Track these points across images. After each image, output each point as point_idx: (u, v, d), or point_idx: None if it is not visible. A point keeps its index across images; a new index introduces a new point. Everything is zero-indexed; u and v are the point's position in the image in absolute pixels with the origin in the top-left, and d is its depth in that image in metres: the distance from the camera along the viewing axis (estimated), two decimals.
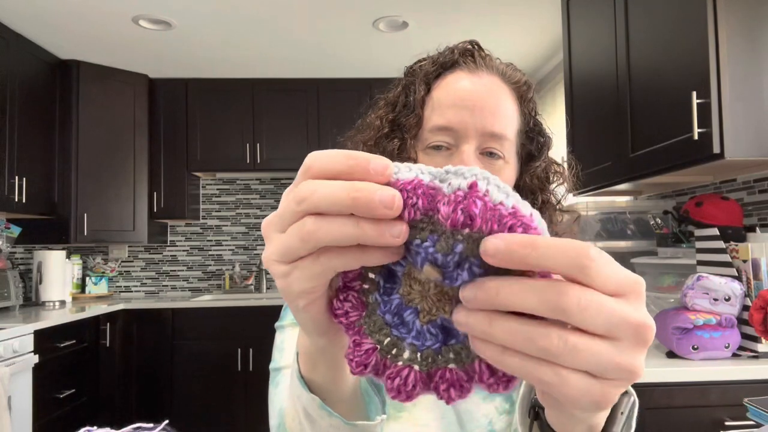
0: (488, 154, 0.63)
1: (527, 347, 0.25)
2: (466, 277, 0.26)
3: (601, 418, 0.37)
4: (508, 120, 0.64)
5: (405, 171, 0.28)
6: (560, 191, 0.74)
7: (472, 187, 0.26)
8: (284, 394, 0.63)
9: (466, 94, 0.63)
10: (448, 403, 0.29)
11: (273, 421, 0.64)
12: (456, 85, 0.65)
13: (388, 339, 0.29)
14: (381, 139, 0.69)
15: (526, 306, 0.24)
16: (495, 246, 0.24)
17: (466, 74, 0.65)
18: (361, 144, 0.72)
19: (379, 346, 0.29)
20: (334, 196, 0.26)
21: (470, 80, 0.65)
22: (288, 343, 0.69)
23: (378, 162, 0.27)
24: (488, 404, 0.66)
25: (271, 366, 0.69)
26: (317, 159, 0.28)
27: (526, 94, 0.68)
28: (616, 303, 0.25)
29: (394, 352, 0.29)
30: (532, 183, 0.69)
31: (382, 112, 0.71)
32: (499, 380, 0.28)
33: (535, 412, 0.41)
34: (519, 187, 0.69)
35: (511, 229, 0.25)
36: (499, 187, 0.26)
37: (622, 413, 0.38)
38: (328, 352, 0.39)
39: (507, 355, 0.25)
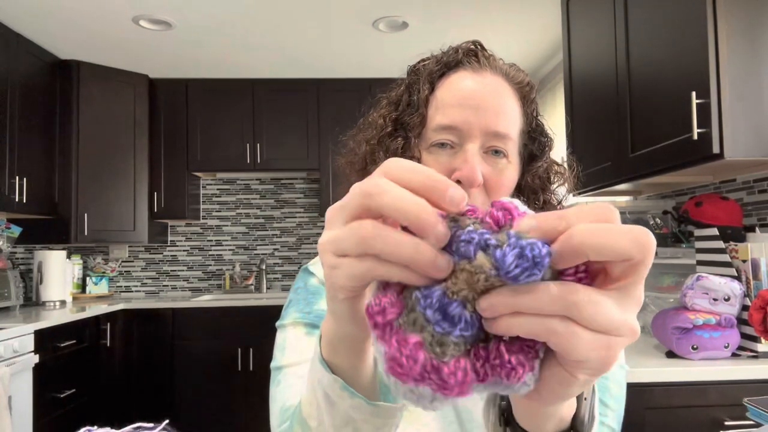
0: (492, 153, 0.64)
1: (554, 305, 0.26)
2: (530, 271, 0.27)
3: (569, 408, 0.37)
4: (511, 120, 0.64)
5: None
6: (561, 192, 0.74)
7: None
8: (288, 393, 0.63)
9: (471, 93, 0.63)
10: (509, 380, 0.29)
11: (274, 420, 0.64)
12: (460, 85, 0.65)
13: (431, 337, 0.28)
14: (384, 138, 0.69)
15: (617, 245, 0.26)
16: (529, 224, 0.27)
17: (470, 74, 0.65)
18: (364, 143, 0.72)
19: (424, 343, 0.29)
20: (401, 205, 0.28)
21: (474, 80, 0.65)
22: (289, 343, 0.69)
23: (456, 192, 0.28)
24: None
25: (272, 365, 0.69)
26: (398, 166, 0.29)
27: (528, 94, 0.68)
28: (646, 268, 0.27)
29: (438, 350, 0.28)
30: (533, 183, 0.69)
31: (385, 111, 0.71)
32: (488, 371, 0.29)
33: (505, 418, 0.41)
34: (521, 187, 0.69)
35: None
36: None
37: (585, 399, 0.39)
38: (353, 338, 0.39)
39: (521, 317, 0.27)
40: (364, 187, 0.29)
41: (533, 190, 0.69)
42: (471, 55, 0.67)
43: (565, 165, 0.75)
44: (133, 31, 3.05)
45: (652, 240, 0.26)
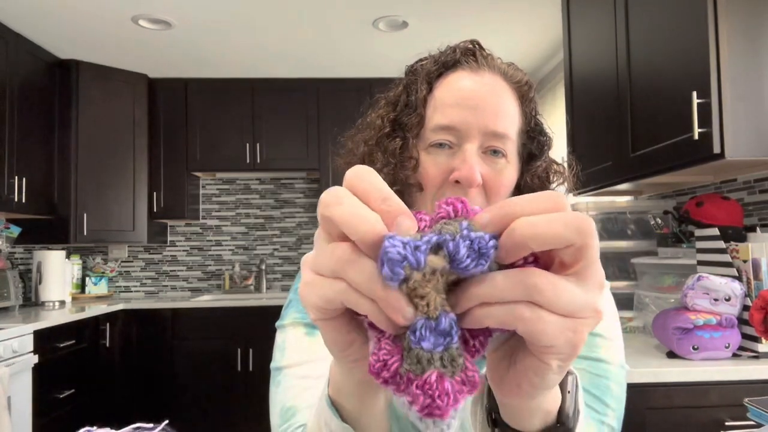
0: (491, 153, 0.63)
1: (515, 291, 0.27)
2: (477, 261, 0.27)
3: (554, 402, 0.38)
4: (510, 119, 0.64)
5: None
6: (560, 191, 0.74)
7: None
8: (289, 393, 0.63)
9: (469, 93, 0.63)
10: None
11: (274, 420, 0.63)
12: (458, 84, 0.65)
13: (441, 361, 0.28)
14: (382, 138, 0.68)
15: (555, 233, 0.27)
16: (482, 219, 0.28)
17: (468, 73, 0.65)
18: (362, 143, 0.72)
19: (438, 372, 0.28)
20: (350, 221, 0.28)
21: (472, 79, 0.65)
22: (289, 343, 0.69)
23: (406, 222, 0.28)
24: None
25: (272, 365, 0.69)
26: (361, 176, 0.29)
27: (527, 93, 0.68)
28: (591, 249, 0.28)
29: (452, 367, 0.28)
30: (532, 182, 0.69)
31: (383, 111, 0.71)
32: (479, 345, 0.30)
33: (492, 419, 0.41)
34: (520, 187, 0.69)
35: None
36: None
37: (569, 392, 0.39)
38: (352, 381, 0.39)
39: (490, 307, 0.28)
40: (324, 196, 0.29)
41: (532, 189, 0.69)
42: (469, 55, 0.67)
43: (565, 164, 0.75)
44: (133, 30, 3.05)
45: (589, 223, 0.27)
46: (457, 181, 0.62)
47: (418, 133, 0.66)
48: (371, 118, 0.73)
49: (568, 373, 0.39)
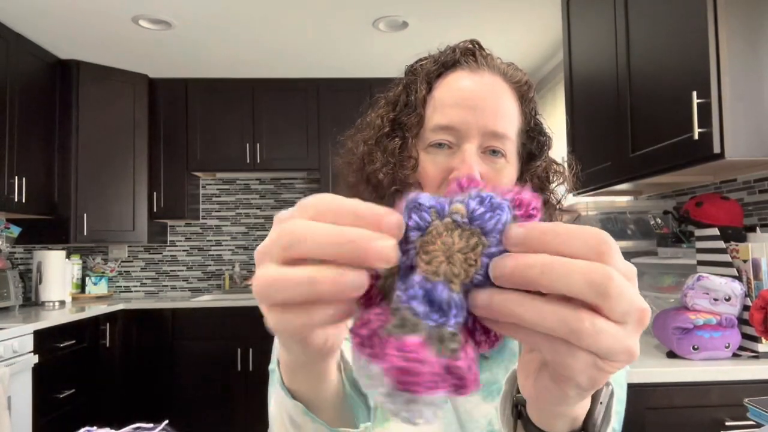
0: (490, 153, 0.63)
1: (557, 329, 0.25)
2: (492, 212, 0.26)
3: (582, 409, 0.37)
4: (509, 119, 0.64)
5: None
6: (560, 191, 0.74)
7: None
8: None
9: (468, 93, 0.63)
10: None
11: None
12: (458, 84, 0.65)
13: (428, 334, 0.25)
14: (382, 138, 0.68)
15: (572, 288, 0.25)
16: (517, 233, 0.26)
17: (467, 73, 0.65)
18: (362, 143, 0.72)
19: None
20: (323, 249, 0.25)
21: (472, 79, 0.65)
22: None
23: (391, 220, 0.26)
24: (488, 404, 0.66)
25: (270, 367, 0.68)
26: (319, 205, 0.27)
27: (527, 93, 0.68)
28: (632, 289, 0.26)
29: (440, 347, 0.25)
30: (532, 182, 0.69)
31: (383, 111, 0.71)
32: (489, 340, 0.28)
33: (517, 411, 0.41)
34: None
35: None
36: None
37: (601, 403, 0.38)
38: (307, 365, 0.38)
39: (530, 334, 0.26)
40: (282, 238, 0.26)
41: (532, 189, 0.69)
42: (469, 55, 0.67)
43: (565, 164, 0.75)
44: (133, 30, 3.05)
45: (613, 284, 0.25)
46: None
47: (417, 133, 0.66)
48: (371, 118, 0.73)
49: (606, 384, 0.38)
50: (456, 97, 0.64)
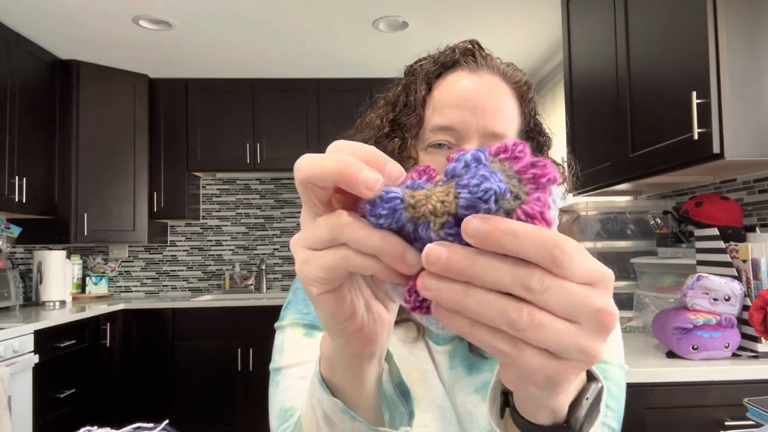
0: None
1: (497, 319, 0.26)
2: (476, 165, 0.28)
3: (563, 402, 0.36)
4: (509, 119, 0.64)
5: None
6: (560, 191, 0.73)
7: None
8: (288, 394, 0.63)
9: (468, 93, 0.63)
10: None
11: (273, 422, 0.64)
12: (457, 85, 0.65)
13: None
14: (381, 138, 0.69)
15: (499, 280, 0.25)
16: (476, 227, 0.25)
17: (467, 74, 0.65)
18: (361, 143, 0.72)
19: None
20: (328, 166, 0.28)
21: (471, 80, 0.65)
22: (288, 344, 0.68)
23: (394, 169, 0.29)
24: (485, 406, 0.67)
25: (271, 366, 0.69)
26: (342, 146, 0.30)
27: (526, 94, 0.68)
28: (580, 288, 0.26)
29: None
30: None
31: (382, 112, 0.71)
32: (421, 307, 0.29)
33: (505, 398, 0.41)
34: None
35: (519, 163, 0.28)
36: None
37: (587, 399, 0.37)
38: (347, 355, 0.39)
39: (475, 327, 0.27)
40: (300, 161, 0.30)
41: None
42: (468, 55, 0.67)
43: (565, 164, 0.75)
44: (133, 30, 3.05)
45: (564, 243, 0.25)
46: None
47: (417, 134, 0.67)
48: (370, 118, 0.73)
49: (596, 381, 0.38)
50: (455, 97, 0.64)
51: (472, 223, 0.25)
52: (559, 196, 0.28)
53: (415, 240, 0.28)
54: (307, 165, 0.29)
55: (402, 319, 0.69)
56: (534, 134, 0.70)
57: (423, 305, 0.28)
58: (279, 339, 0.70)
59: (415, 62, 0.72)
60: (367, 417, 0.42)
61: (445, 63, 0.67)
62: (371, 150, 0.30)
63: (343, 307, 0.33)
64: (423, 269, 0.27)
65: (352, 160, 0.28)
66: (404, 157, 0.66)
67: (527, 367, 0.26)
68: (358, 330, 0.34)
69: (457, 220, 0.27)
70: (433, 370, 0.68)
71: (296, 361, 0.66)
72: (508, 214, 0.26)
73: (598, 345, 0.26)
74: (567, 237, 0.26)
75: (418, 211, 0.27)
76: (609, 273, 0.27)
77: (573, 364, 0.26)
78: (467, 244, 0.26)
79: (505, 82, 0.66)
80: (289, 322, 0.70)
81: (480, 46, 0.69)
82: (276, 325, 0.73)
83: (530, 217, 0.26)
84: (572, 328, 0.26)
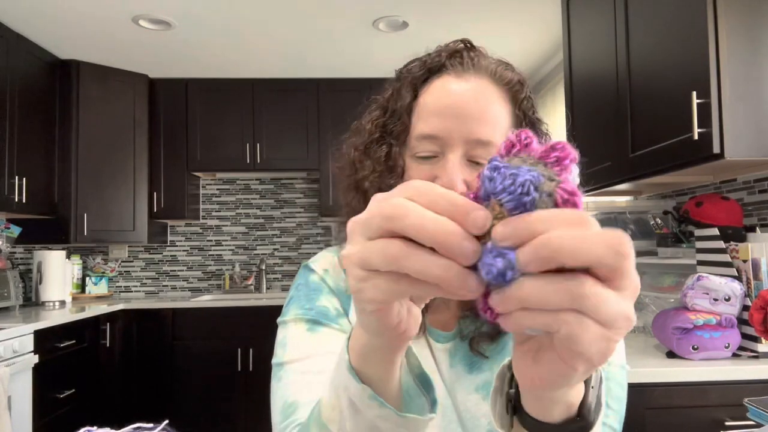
0: (476, 163, 0.62)
1: (563, 300, 0.27)
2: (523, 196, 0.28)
3: (578, 393, 0.38)
4: (495, 125, 0.62)
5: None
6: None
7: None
8: (291, 389, 0.63)
9: (451, 100, 0.62)
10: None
11: (276, 417, 0.63)
12: (441, 92, 0.63)
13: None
14: (371, 145, 0.68)
15: (592, 256, 0.27)
16: (502, 232, 0.28)
17: (452, 79, 0.63)
18: (353, 149, 0.72)
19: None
20: (424, 229, 0.29)
21: (456, 85, 0.63)
22: (290, 339, 0.68)
23: (479, 215, 0.29)
24: (488, 404, 0.66)
25: (274, 361, 0.69)
26: (420, 189, 0.30)
27: (518, 94, 0.65)
28: (629, 269, 0.28)
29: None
30: None
31: (374, 116, 0.71)
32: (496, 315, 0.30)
33: (513, 406, 0.42)
34: None
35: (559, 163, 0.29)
36: None
37: (593, 387, 0.39)
38: (384, 350, 0.40)
39: (532, 312, 0.28)
40: (387, 209, 0.30)
41: None
42: (456, 58, 0.65)
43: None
44: (133, 30, 3.05)
45: (628, 245, 0.27)
46: None
47: (404, 141, 0.66)
48: (363, 122, 0.73)
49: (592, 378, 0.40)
50: (438, 105, 0.62)
51: (500, 233, 0.28)
52: (577, 173, 0.29)
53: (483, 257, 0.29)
54: (412, 216, 0.29)
55: None
56: None
57: (496, 314, 0.30)
58: (282, 334, 0.70)
59: (405, 65, 0.71)
60: (392, 403, 0.43)
61: (432, 68, 0.65)
62: (454, 199, 0.30)
63: (390, 317, 0.34)
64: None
65: (453, 230, 0.28)
66: (391, 165, 0.65)
67: (584, 342, 0.27)
68: (398, 330, 0.36)
69: None
70: (434, 368, 0.68)
71: (299, 356, 0.66)
72: (550, 195, 0.28)
73: (633, 309, 0.29)
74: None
75: (483, 237, 0.28)
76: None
77: (619, 332, 0.28)
78: None
79: (495, 84, 0.64)
80: (292, 317, 0.70)
81: (470, 46, 0.67)
82: (279, 320, 0.72)
83: (571, 194, 0.27)
84: (621, 296, 0.28)
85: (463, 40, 0.67)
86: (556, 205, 0.28)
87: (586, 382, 0.39)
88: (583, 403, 0.38)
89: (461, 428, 0.66)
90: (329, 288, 0.72)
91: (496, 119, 0.62)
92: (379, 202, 0.31)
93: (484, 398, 0.67)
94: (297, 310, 0.70)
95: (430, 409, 0.45)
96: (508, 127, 0.64)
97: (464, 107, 0.61)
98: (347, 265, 0.33)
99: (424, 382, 0.47)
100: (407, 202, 0.30)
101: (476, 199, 0.30)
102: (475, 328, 0.68)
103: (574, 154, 0.29)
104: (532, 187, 0.27)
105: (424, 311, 0.69)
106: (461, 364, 0.68)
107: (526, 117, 0.66)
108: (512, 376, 0.42)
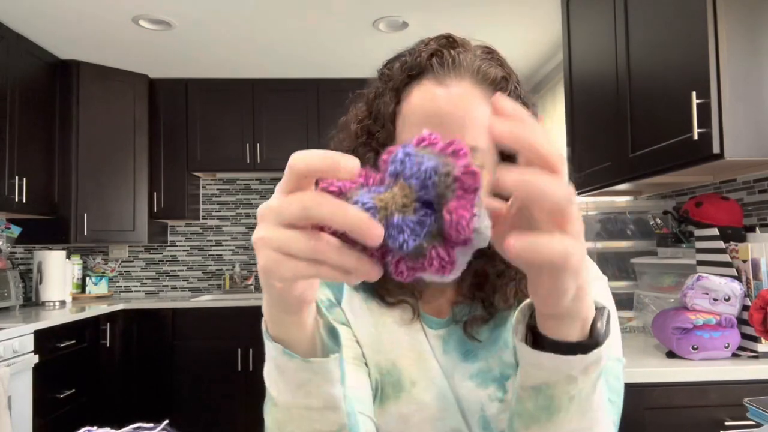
0: None
1: (548, 197, 0.33)
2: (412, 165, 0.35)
3: (588, 310, 0.42)
4: (479, 127, 0.61)
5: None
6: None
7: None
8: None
9: (433, 111, 0.62)
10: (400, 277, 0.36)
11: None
12: (423, 100, 0.63)
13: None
14: (359, 148, 0.69)
15: (539, 149, 0.34)
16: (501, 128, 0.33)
17: (433, 85, 0.63)
18: (341, 147, 0.74)
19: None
20: (340, 214, 0.33)
21: (437, 92, 0.62)
22: None
23: (349, 162, 0.34)
24: (482, 391, 0.68)
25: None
26: (299, 159, 0.35)
27: (504, 90, 0.65)
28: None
29: (413, 261, 0.36)
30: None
31: (360, 116, 0.72)
32: (445, 265, 0.36)
33: (533, 333, 0.46)
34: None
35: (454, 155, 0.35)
36: None
37: (601, 314, 0.43)
38: (288, 314, 0.43)
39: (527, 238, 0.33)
40: (305, 199, 0.35)
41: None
42: (437, 57, 0.64)
43: None
44: (133, 30, 3.05)
45: (574, 195, 0.34)
46: None
47: (390, 146, 0.67)
48: (349, 118, 0.75)
49: (603, 308, 0.44)
50: (420, 115, 0.63)
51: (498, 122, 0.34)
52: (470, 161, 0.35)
53: (388, 228, 0.35)
54: (301, 158, 0.35)
55: (397, 300, 0.70)
56: None
57: (411, 273, 0.36)
58: None
59: (386, 65, 0.72)
60: (305, 356, 0.46)
61: (412, 71, 0.65)
62: (331, 153, 0.35)
63: (294, 291, 0.39)
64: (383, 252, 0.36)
65: (332, 154, 0.34)
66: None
67: (549, 195, 0.33)
68: (297, 297, 0.39)
69: (423, 202, 0.35)
70: (430, 351, 0.69)
71: None
72: (447, 175, 0.34)
73: (580, 244, 0.35)
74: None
75: (389, 210, 0.35)
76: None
77: (573, 211, 0.34)
78: (437, 220, 0.35)
79: (477, 85, 0.63)
80: None
81: (452, 42, 0.66)
82: None
83: (468, 174, 0.34)
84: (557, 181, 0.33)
85: (444, 36, 0.66)
86: (455, 181, 0.34)
87: (594, 321, 0.43)
88: (593, 325, 0.43)
89: (459, 410, 0.67)
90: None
91: (479, 122, 0.61)
92: (289, 195, 0.35)
93: (478, 385, 0.68)
94: None
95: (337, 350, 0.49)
96: None
97: (446, 116, 0.61)
98: (260, 247, 0.36)
99: (331, 333, 0.50)
100: (319, 195, 0.35)
101: (384, 176, 0.37)
102: (469, 312, 0.69)
103: (466, 147, 0.35)
104: (433, 172, 0.34)
105: (419, 298, 0.71)
106: (455, 352, 0.70)
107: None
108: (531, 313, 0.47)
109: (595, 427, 0.47)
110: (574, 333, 0.42)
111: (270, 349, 0.46)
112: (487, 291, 0.68)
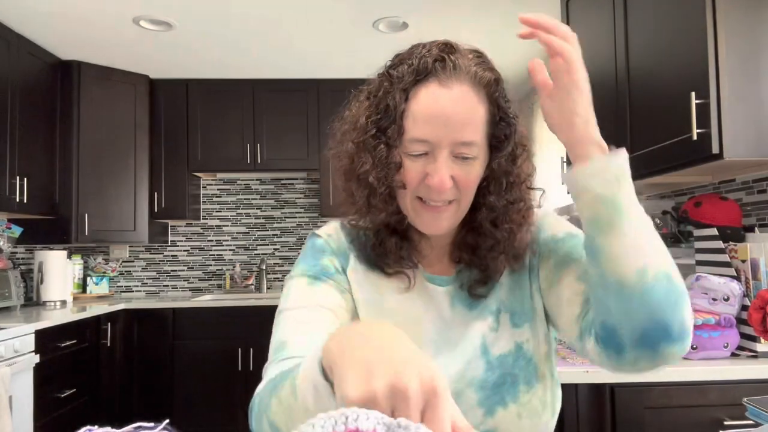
0: (462, 158, 0.73)
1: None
2: None
3: (600, 139, 0.70)
4: (477, 125, 0.73)
5: (363, 419, 0.34)
6: (530, 167, 0.81)
7: None
8: (285, 331, 0.73)
9: (439, 111, 0.71)
10: None
11: (270, 356, 0.71)
12: (429, 100, 0.72)
13: None
14: (368, 141, 0.76)
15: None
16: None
17: (437, 87, 0.72)
18: (349, 141, 0.79)
19: None
20: None
21: (442, 94, 0.71)
22: (293, 291, 0.78)
23: None
24: (482, 322, 0.79)
25: (277, 310, 0.78)
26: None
27: (494, 92, 0.74)
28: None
29: None
30: (504, 164, 0.77)
31: (367, 111, 0.78)
32: None
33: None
34: (493, 170, 0.76)
35: None
36: None
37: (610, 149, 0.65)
38: None
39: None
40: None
41: (504, 170, 0.77)
42: (439, 62, 0.73)
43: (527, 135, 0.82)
44: (134, 31, 3.06)
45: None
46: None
47: (399, 141, 0.74)
48: (355, 111, 0.82)
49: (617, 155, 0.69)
50: (427, 113, 0.72)
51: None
52: None
53: None
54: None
55: (395, 271, 0.81)
56: (501, 126, 0.76)
57: None
58: (287, 287, 0.81)
59: (392, 66, 0.78)
60: None
61: (419, 72, 0.73)
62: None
63: None
64: None
65: None
66: (390, 162, 0.74)
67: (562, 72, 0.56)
68: None
69: None
70: (425, 314, 0.80)
71: (297, 305, 0.76)
72: None
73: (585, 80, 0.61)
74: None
75: None
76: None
77: (573, 64, 0.64)
78: None
79: (475, 87, 0.73)
80: (298, 272, 0.81)
81: (451, 49, 0.74)
82: (286, 277, 0.84)
83: None
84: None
85: (444, 43, 0.75)
86: None
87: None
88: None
89: (452, 351, 0.77)
90: (331, 249, 0.83)
91: (478, 120, 0.73)
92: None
93: (477, 318, 0.80)
94: (303, 266, 0.82)
95: None
96: (485, 122, 0.74)
97: (450, 116, 0.71)
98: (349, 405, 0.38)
99: None
100: None
101: None
102: (470, 276, 0.81)
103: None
104: None
105: (421, 263, 0.83)
106: (460, 305, 0.81)
107: (499, 110, 0.75)
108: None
109: (655, 241, 0.70)
110: (596, 152, 0.71)
111: (317, 378, 0.48)
112: (482, 259, 0.79)
